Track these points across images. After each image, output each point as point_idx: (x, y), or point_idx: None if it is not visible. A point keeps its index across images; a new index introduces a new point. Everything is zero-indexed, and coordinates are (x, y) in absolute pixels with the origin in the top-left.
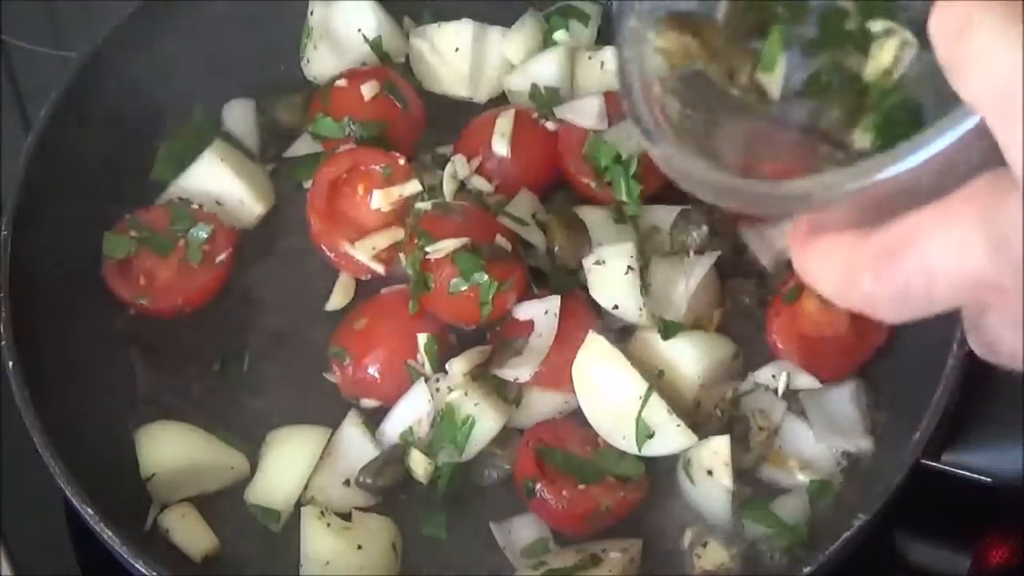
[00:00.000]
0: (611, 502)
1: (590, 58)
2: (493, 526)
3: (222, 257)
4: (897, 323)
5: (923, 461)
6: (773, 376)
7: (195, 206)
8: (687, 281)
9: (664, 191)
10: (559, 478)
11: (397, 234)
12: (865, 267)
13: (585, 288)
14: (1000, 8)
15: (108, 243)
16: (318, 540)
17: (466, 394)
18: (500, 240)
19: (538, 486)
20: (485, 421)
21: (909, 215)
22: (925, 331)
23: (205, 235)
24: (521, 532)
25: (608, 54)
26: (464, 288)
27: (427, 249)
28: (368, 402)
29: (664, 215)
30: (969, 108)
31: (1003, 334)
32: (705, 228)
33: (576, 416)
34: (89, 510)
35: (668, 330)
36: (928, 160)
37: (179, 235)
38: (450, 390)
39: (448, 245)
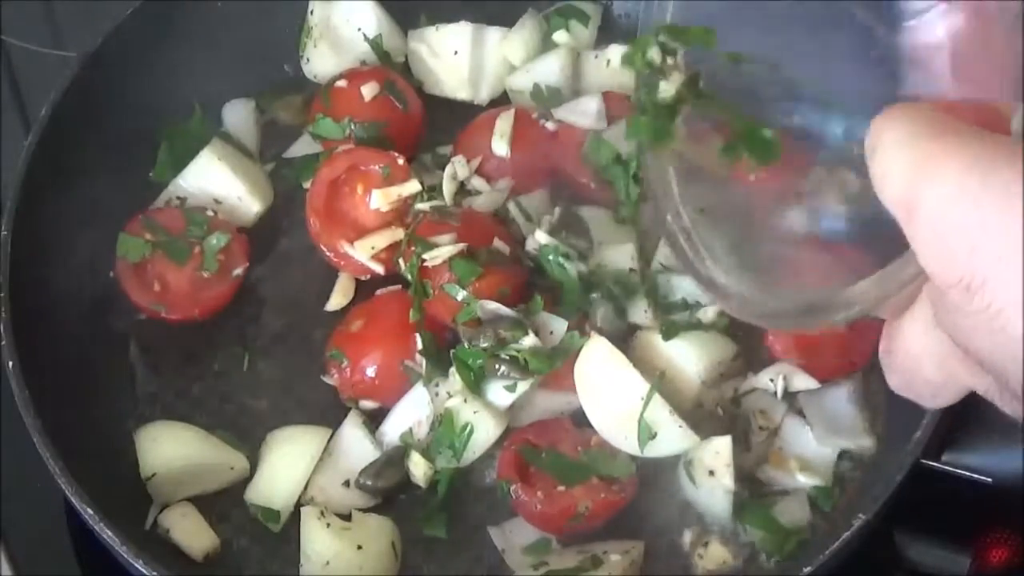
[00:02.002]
0: (591, 503)
1: (596, 57)
2: (491, 530)
3: (238, 271)
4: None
5: (923, 461)
6: (771, 380)
7: (210, 212)
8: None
9: None
10: (539, 479)
11: (396, 234)
12: (883, 363)
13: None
14: (898, 123)
15: (122, 245)
16: (318, 540)
17: (465, 401)
18: (498, 243)
19: (513, 487)
20: (484, 429)
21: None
22: None
23: (222, 243)
24: (521, 533)
25: (612, 53)
26: (461, 294)
27: (424, 256)
28: (368, 403)
29: None
30: None
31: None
32: None
33: (572, 416)
34: (89, 510)
35: (669, 330)
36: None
37: (194, 242)
38: (449, 395)
39: (445, 252)
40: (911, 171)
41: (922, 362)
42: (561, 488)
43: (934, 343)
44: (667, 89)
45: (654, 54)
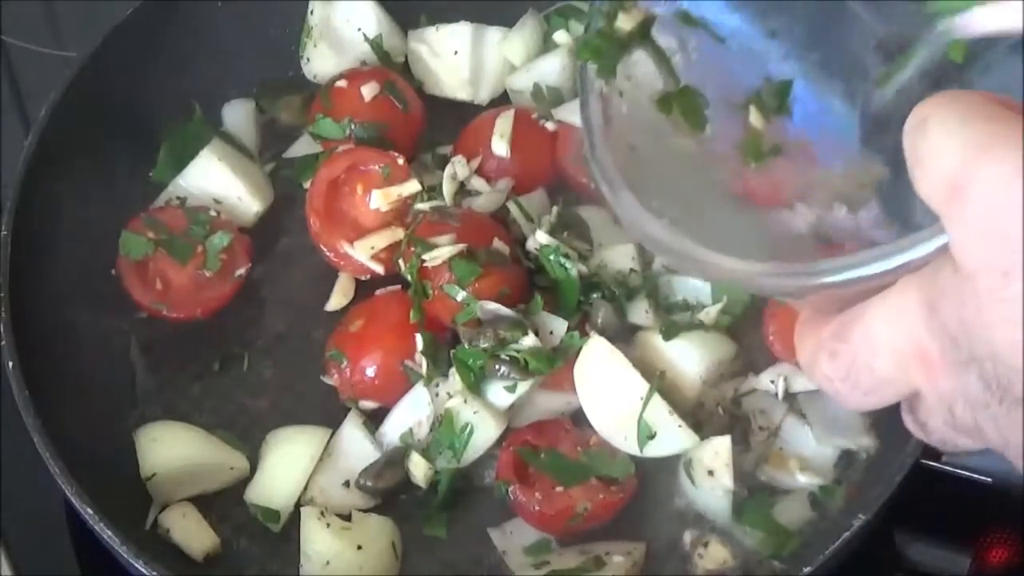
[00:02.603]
0: (590, 504)
1: None
2: (491, 530)
3: (240, 271)
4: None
5: (923, 461)
6: (772, 381)
7: (213, 212)
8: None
9: None
10: (538, 480)
11: (396, 234)
12: (823, 348)
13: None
14: (950, 106)
15: (125, 242)
16: (318, 540)
17: (465, 401)
18: (498, 244)
19: (512, 488)
20: (484, 429)
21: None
22: None
23: (225, 242)
24: (521, 533)
25: None
26: (460, 295)
27: (424, 257)
28: (368, 403)
29: None
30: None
31: (930, 419)
32: None
33: (572, 416)
34: (89, 510)
35: (669, 331)
36: (893, 270)
37: (196, 241)
38: (449, 396)
39: (444, 252)
40: (966, 150)
41: (878, 352)
42: (560, 488)
43: (901, 334)
44: (624, 22)
45: None
